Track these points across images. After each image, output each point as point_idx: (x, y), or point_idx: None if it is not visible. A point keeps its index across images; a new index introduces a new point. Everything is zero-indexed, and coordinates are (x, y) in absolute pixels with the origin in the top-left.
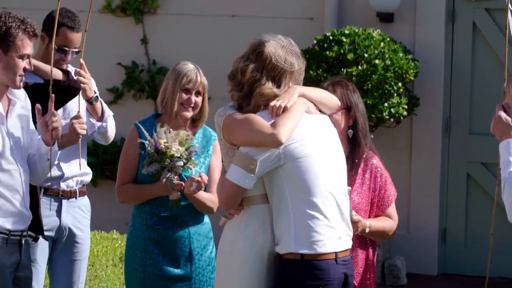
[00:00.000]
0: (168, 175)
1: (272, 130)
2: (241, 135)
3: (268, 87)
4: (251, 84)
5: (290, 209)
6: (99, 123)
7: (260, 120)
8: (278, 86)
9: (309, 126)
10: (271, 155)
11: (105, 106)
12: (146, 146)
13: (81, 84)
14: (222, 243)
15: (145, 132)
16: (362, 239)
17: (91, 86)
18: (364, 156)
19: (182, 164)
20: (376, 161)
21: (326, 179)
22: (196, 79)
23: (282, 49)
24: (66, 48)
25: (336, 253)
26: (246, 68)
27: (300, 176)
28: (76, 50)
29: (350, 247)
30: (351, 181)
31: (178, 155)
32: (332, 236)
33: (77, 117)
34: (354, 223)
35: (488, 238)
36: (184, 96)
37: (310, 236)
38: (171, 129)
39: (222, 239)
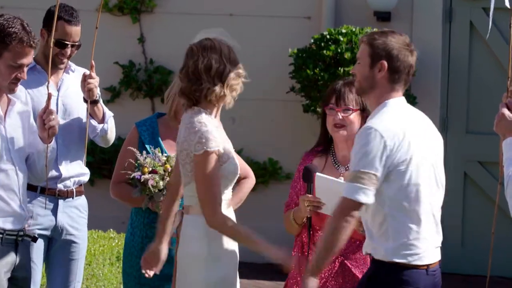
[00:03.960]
0: (148, 204)
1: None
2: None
3: (232, 77)
4: (219, 75)
5: (389, 220)
6: (100, 125)
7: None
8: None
9: (411, 130)
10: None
11: (105, 107)
12: (138, 159)
13: (89, 85)
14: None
15: (138, 154)
16: None
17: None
18: None
19: (161, 198)
20: None
21: (427, 190)
22: None
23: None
24: (65, 42)
25: (428, 264)
26: (209, 63)
27: (403, 186)
28: (76, 44)
29: (440, 258)
30: None
31: (158, 190)
32: (428, 248)
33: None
34: None
35: (486, 237)
36: None
37: (407, 249)
38: (158, 153)
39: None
